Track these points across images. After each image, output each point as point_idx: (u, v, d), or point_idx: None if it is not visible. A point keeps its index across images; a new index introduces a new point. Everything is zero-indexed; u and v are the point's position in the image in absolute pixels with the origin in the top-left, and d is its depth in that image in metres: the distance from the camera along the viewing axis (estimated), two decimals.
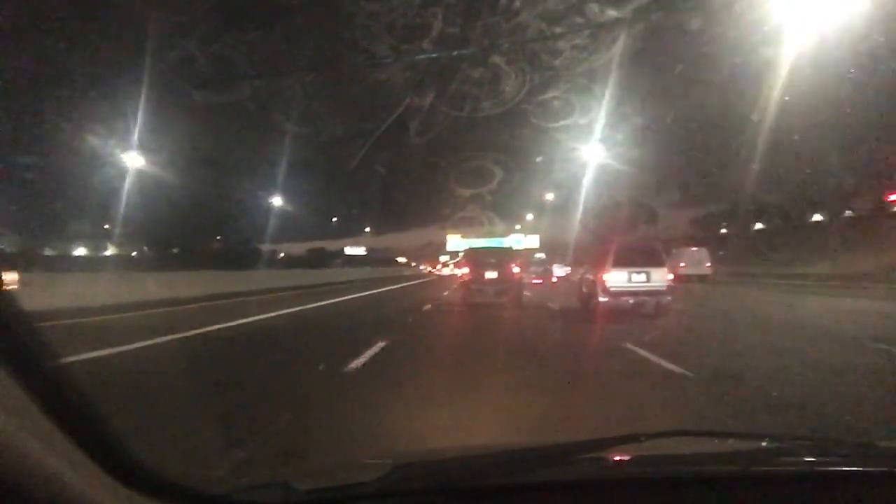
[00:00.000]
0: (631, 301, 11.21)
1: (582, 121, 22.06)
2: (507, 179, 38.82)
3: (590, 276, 12.75)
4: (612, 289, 11.30)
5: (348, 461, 1.79)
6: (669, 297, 11.31)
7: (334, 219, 52.82)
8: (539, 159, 39.08)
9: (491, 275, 15.37)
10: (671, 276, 11.80)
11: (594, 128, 24.92)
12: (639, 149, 32.03)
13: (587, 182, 36.28)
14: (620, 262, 11.47)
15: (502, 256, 16.54)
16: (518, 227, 48.42)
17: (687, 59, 18.03)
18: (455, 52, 17.72)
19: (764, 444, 1.67)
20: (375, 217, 64.69)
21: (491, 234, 45.71)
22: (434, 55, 17.67)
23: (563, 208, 50.51)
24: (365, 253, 77.37)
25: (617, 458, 1.17)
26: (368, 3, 15.58)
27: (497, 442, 3.34)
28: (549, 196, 50.17)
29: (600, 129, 25.28)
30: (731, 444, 1.56)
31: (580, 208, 39.21)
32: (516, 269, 15.79)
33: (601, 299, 11.35)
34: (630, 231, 52.24)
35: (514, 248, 33.89)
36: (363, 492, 1.09)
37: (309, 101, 21.83)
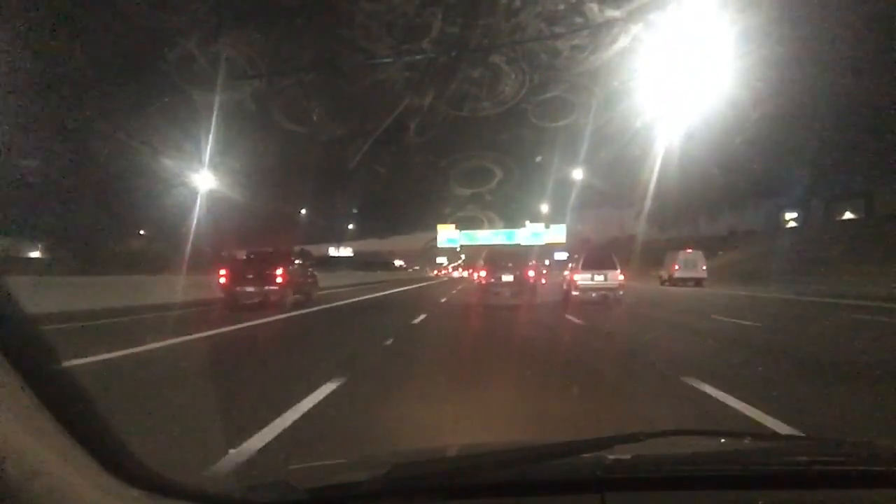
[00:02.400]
0: (594, 294, 15.93)
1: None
2: (506, 179, 37.71)
3: (568, 277, 17.63)
4: (581, 285, 15.97)
5: (348, 461, 1.79)
6: (621, 292, 16.03)
7: (302, 210, 46.58)
8: (539, 159, 37.40)
9: (507, 278, 15.65)
10: (622, 277, 16.24)
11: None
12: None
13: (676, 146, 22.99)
14: (587, 266, 16.17)
15: (518, 258, 17.01)
16: (527, 221, 43.88)
17: None
18: (455, 52, 17.72)
19: (764, 444, 1.67)
20: (373, 218, 62.82)
21: (495, 228, 43.42)
22: (434, 55, 17.67)
23: (608, 192, 39.43)
24: (352, 255, 72.86)
25: (617, 457, 1.17)
26: (368, 2, 15.59)
27: (496, 441, 3.37)
28: (578, 175, 36.92)
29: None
30: (731, 444, 1.56)
31: (650, 190, 26.15)
32: (531, 273, 16.19)
33: (573, 293, 16.08)
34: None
35: (533, 242, 33.27)
36: (363, 491, 1.09)
37: (307, 101, 21.74)
